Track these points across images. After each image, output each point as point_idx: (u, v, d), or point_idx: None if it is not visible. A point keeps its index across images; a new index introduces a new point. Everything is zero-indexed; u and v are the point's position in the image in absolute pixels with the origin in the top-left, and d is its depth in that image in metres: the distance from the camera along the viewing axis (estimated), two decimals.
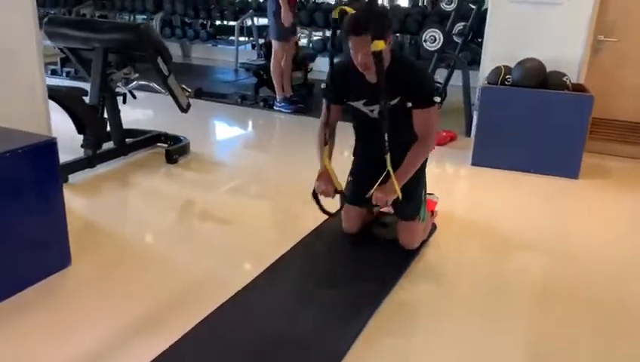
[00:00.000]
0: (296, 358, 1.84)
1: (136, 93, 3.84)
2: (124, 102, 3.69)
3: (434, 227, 2.88)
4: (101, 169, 3.59)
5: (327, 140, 2.47)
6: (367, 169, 2.48)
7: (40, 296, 2.20)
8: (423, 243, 2.67)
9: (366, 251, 2.61)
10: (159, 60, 3.48)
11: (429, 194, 2.96)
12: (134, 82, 3.71)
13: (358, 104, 2.43)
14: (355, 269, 2.45)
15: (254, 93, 5.53)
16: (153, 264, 2.51)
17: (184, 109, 3.78)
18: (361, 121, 2.51)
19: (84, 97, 3.36)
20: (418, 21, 6.33)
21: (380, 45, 2.12)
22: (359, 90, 2.39)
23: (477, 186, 3.66)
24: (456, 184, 3.82)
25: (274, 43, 5.14)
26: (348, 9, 2.19)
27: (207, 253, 2.62)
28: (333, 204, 2.52)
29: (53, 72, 6.36)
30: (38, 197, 2.23)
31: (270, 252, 2.50)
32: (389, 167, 2.27)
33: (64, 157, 3.50)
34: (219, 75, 7.52)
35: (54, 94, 3.20)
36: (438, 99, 2.35)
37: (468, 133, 4.47)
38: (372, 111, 2.41)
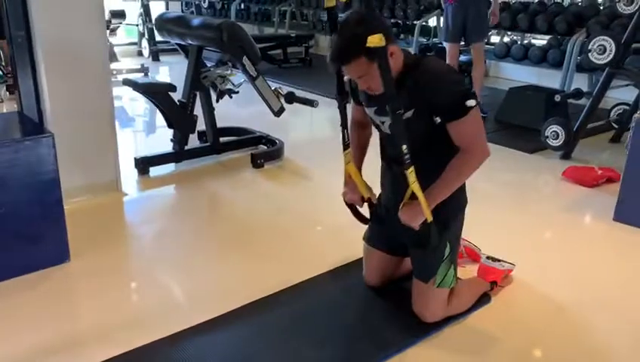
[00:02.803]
0: None
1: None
2: (217, 100, 3.64)
3: (486, 298, 2.17)
4: (189, 165, 3.61)
5: (356, 142, 2.10)
6: (394, 198, 1.97)
7: (22, 286, 2.22)
8: (453, 318, 2.03)
9: (382, 305, 2.13)
10: (245, 60, 3.32)
11: (500, 261, 2.37)
12: (231, 81, 3.63)
13: (370, 111, 1.98)
14: (358, 325, 2.02)
15: None
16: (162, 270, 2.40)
17: (275, 113, 3.57)
18: (380, 135, 2.04)
19: (170, 93, 3.39)
20: (569, 22, 5.27)
21: (375, 41, 1.61)
22: (367, 95, 1.90)
23: (603, 252, 2.65)
24: (576, 242, 2.76)
25: (478, 45, 4.72)
26: None
27: (212, 267, 2.42)
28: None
29: None
30: (34, 191, 2.26)
31: (291, 277, 2.26)
32: (412, 185, 1.79)
33: (159, 148, 3.67)
34: None
35: (138, 88, 3.30)
36: (472, 102, 1.76)
37: None
38: (383, 123, 1.93)
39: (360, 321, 2.05)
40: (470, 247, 2.44)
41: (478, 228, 2.40)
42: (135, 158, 3.44)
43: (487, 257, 2.37)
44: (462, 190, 1.97)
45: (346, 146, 2.03)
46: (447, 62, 4.88)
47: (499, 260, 2.35)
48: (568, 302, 2.18)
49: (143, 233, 2.82)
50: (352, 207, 2.10)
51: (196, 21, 3.37)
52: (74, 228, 2.45)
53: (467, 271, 2.32)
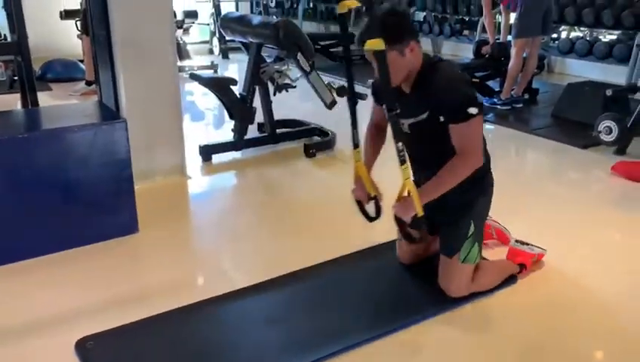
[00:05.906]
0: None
1: None
2: (274, 94, 3.90)
3: (512, 279, 2.29)
4: (248, 154, 3.91)
5: (371, 142, 2.25)
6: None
7: (98, 251, 2.55)
8: (478, 295, 2.17)
9: (410, 280, 2.32)
10: (299, 56, 3.56)
11: (530, 245, 2.46)
12: (288, 76, 3.88)
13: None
14: (385, 297, 2.23)
15: None
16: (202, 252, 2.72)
17: (328, 106, 3.79)
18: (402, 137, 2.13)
19: (232, 86, 3.69)
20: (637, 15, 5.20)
21: (375, 45, 1.80)
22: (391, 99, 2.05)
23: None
24: (616, 234, 2.81)
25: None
26: (350, 3, 1.91)
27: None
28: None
29: None
30: (109, 168, 2.59)
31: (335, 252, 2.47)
32: (406, 181, 1.96)
33: (221, 138, 3.99)
34: None
35: (203, 82, 3.62)
36: (474, 110, 1.90)
37: None
38: (403, 125, 2.06)
39: (387, 294, 2.24)
40: (500, 229, 2.55)
41: (519, 217, 2.50)
42: (199, 146, 3.77)
43: (517, 241, 2.47)
44: (487, 171, 2.11)
45: (355, 145, 2.17)
46: (514, 59, 4.93)
47: (528, 244, 2.44)
48: (598, 291, 2.26)
49: (205, 211, 3.15)
50: (359, 204, 2.21)
51: (256, 20, 3.65)
52: (142, 205, 2.76)
53: (495, 252, 2.45)
